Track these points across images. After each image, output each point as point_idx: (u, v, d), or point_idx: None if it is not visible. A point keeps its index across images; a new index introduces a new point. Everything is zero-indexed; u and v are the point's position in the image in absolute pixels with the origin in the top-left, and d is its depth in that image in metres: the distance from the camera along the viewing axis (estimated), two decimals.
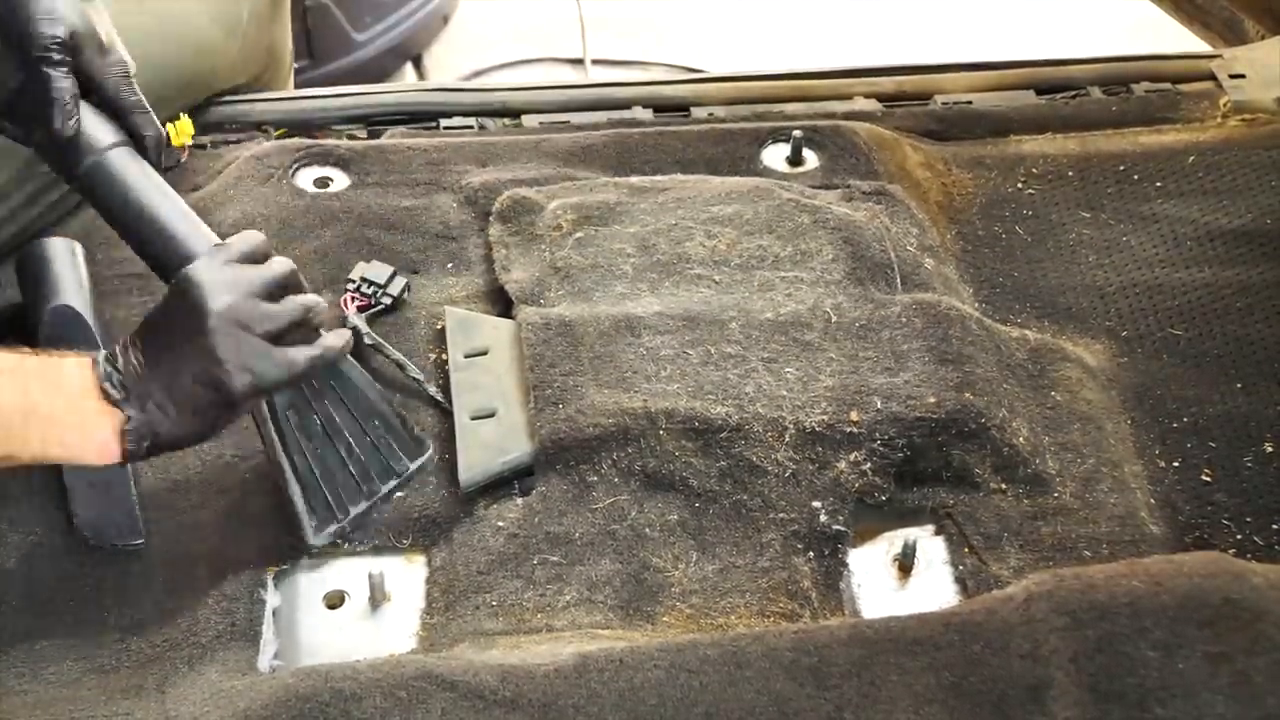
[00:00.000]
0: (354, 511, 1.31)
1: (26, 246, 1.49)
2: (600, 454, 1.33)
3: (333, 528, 1.30)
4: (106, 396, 1.15)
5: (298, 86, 2.04)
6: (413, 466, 1.34)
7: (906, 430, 1.35)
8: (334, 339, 1.24)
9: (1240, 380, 1.51)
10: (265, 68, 1.86)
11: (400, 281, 1.51)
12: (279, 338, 1.19)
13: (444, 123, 1.81)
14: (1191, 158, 1.75)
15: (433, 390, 1.42)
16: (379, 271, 1.51)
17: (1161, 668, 1.07)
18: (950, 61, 1.94)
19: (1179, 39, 2.28)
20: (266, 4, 1.82)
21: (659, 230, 1.54)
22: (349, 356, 1.28)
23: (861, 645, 1.11)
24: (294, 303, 1.21)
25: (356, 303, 1.49)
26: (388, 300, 1.50)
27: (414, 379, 1.42)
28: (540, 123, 1.82)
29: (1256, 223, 1.67)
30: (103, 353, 1.17)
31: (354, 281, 1.51)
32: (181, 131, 1.64)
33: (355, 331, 1.43)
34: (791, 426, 1.34)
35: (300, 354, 1.20)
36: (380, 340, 1.44)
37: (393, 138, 1.77)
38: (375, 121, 1.81)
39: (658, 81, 1.99)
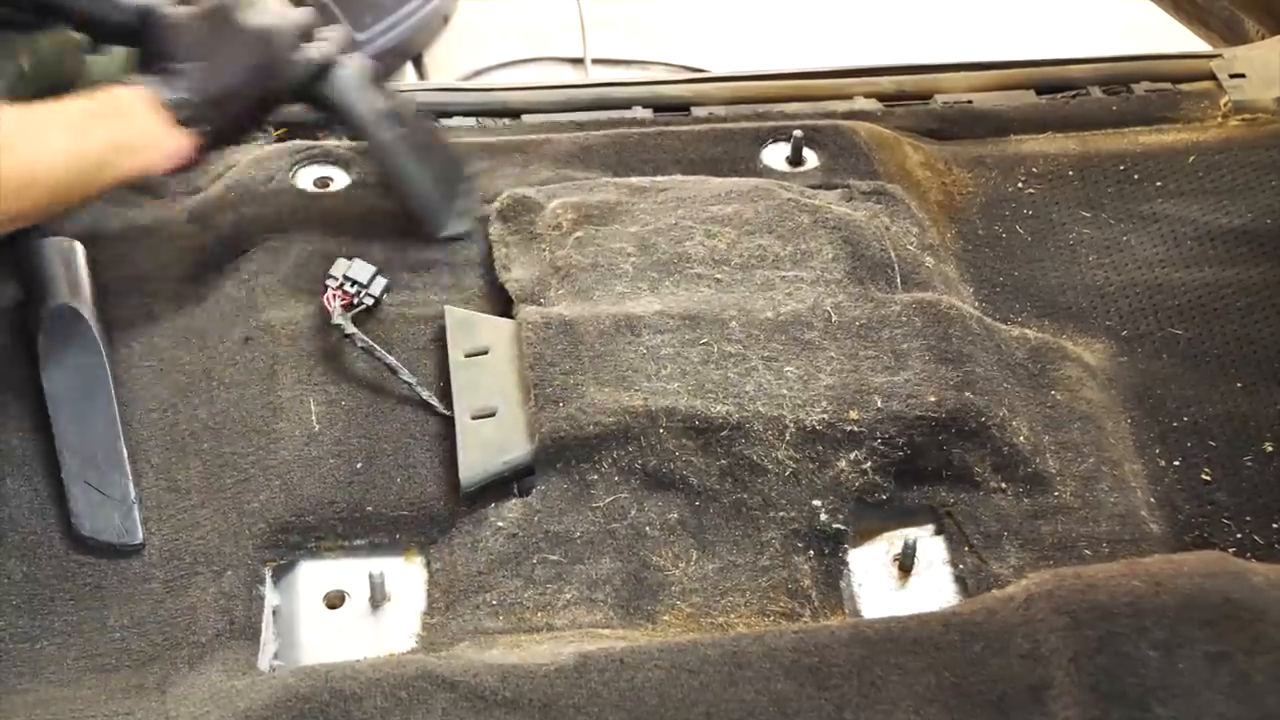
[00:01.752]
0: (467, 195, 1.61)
1: (27, 246, 1.49)
2: (600, 453, 1.33)
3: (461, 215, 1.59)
4: (176, 121, 1.37)
5: None
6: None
7: (907, 429, 1.35)
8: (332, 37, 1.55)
9: (1240, 380, 1.51)
10: None
11: (381, 282, 1.50)
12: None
13: (444, 122, 1.81)
14: (1192, 157, 1.75)
15: (425, 394, 1.41)
16: (361, 270, 1.49)
17: (1162, 667, 1.07)
18: (950, 61, 1.94)
19: (1179, 39, 2.28)
20: None
21: (659, 229, 1.54)
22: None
23: (862, 645, 1.11)
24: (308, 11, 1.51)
25: (340, 300, 1.47)
26: (369, 300, 1.49)
27: (406, 383, 1.42)
28: (540, 122, 1.82)
29: (1257, 222, 1.67)
30: (152, 81, 1.38)
31: (335, 279, 1.48)
32: None
33: (344, 333, 1.43)
34: (792, 425, 1.34)
35: (318, 49, 1.51)
36: (371, 343, 1.43)
37: None
38: None
39: (658, 81, 2.00)
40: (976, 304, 1.57)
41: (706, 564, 1.29)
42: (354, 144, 1.73)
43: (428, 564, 1.32)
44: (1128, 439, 1.44)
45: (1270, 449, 1.44)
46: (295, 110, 1.81)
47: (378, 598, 1.29)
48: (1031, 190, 1.72)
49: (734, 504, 1.32)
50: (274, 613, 1.29)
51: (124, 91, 1.36)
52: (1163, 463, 1.43)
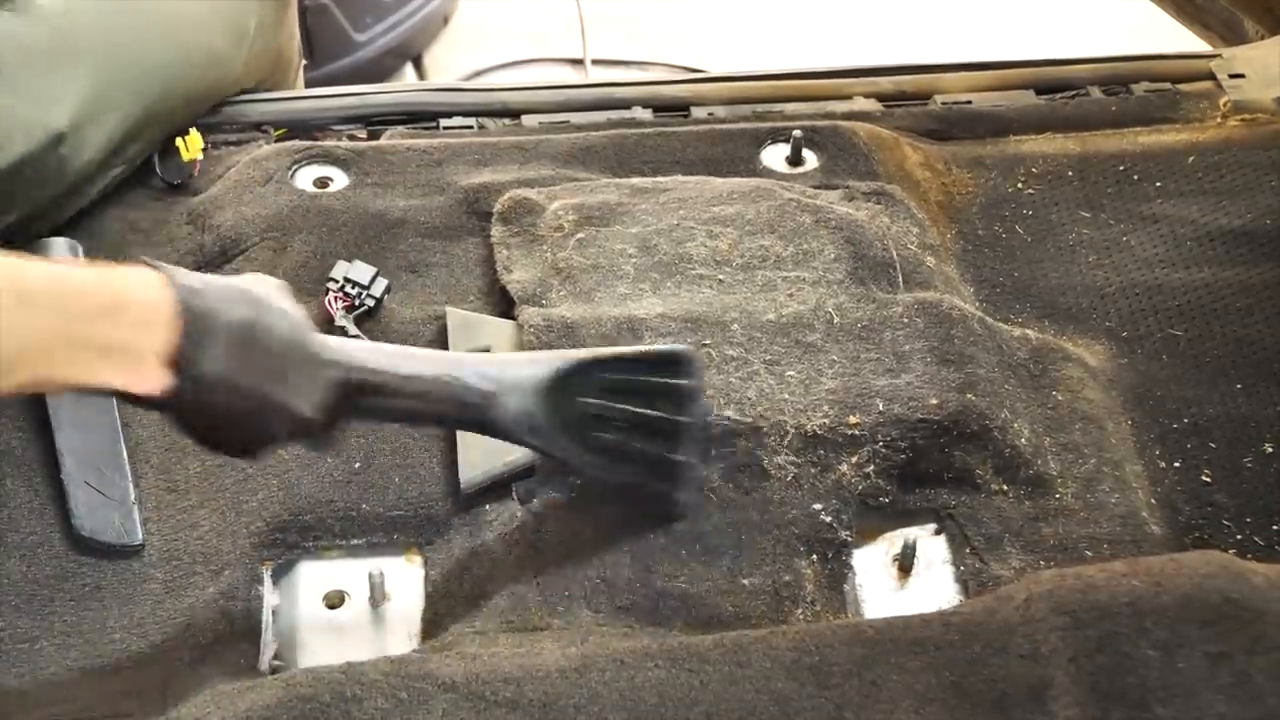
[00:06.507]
0: (694, 458, 1.28)
1: (26, 247, 1.49)
2: None
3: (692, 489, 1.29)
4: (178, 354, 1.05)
5: None
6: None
7: (908, 432, 1.35)
8: None
9: (1240, 380, 1.51)
10: (272, 71, 1.86)
11: (382, 283, 1.49)
12: None
13: (444, 123, 1.81)
14: (1191, 158, 1.75)
15: None
16: (362, 272, 1.49)
17: (1162, 667, 1.07)
18: (950, 61, 1.94)
19: (1179, 39, 2.28)
20: (273, 11, 1.82)
21: (660, 230, 1.54)
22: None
23: (862, 645, 1.11)
24: None
25: (342, 303, 1.47)
26: (371, 302, 1.48)
27: None
28: (540, 123, 1.82)
29: (1256, 223, 1.67)
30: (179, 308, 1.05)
31: (336, 281, 1.48)
32: (192, 147, 1.65)
33: (348, 335, 1.43)
34: (793, 430, 1.34)
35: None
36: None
37: (392, 138, 1.77)
38: (375, 121, 1.81)
39: (658, 81, 1.99)
40: (977, 304, 1.57)
41: (707, 567, 1.29)
42: (353, 144, 1.74)
43: (427, 564, 1.32)
44: (1128, 440, 1.44)
45: (1270, 450, 1.44)
46: (293, 110, 1.82)
47: (378, 598, 1.29)
48: (1031, 190, 1.72)
49: (735, 507, 1.32)
50: (274, 613, 1.29)
51: (150, 281, 1.05)
52: (1163, 464, 1.43)
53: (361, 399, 1.17)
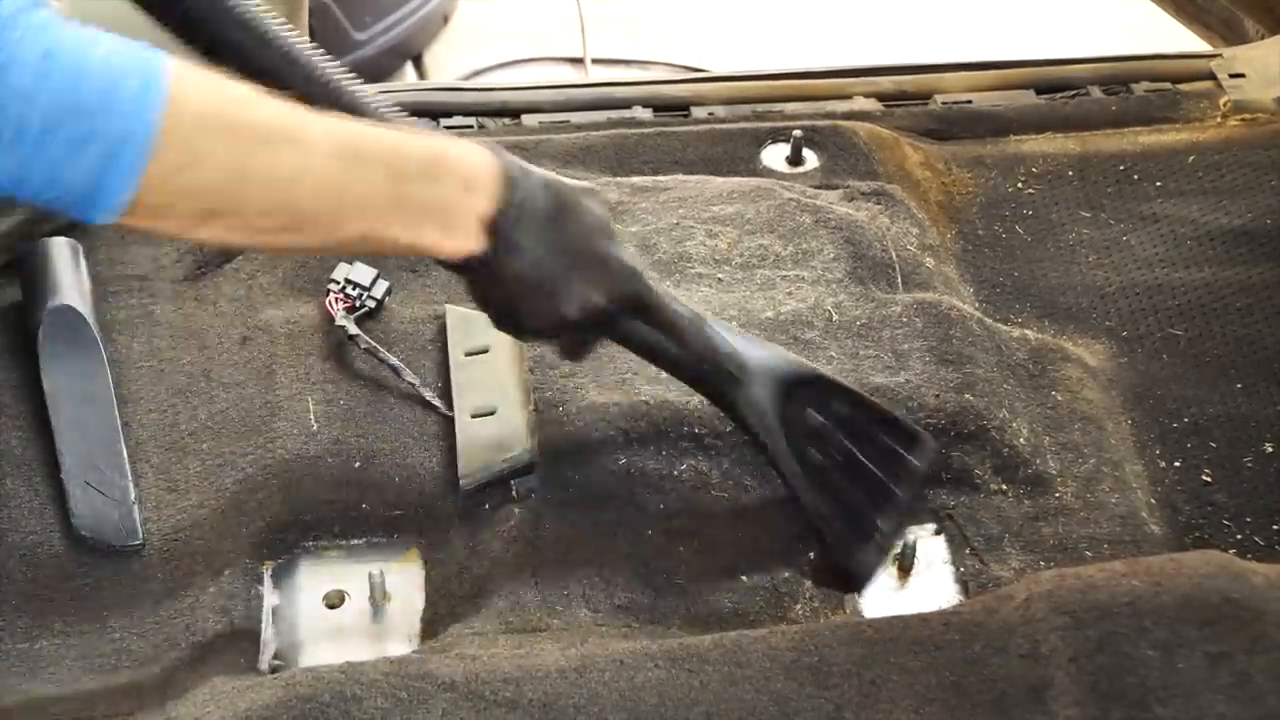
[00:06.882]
0: (887, 529, 1.28)
1: (26, 246, 1.49)
2: (600, 454, 1.33)
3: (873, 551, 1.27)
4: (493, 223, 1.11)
5: None
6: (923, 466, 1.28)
7: None
8: None
9: (1240, 380, 1.51)
10: None
11: (383, 284, 1.49)
12: None
13: (444, 122, 1.81)
14: (1191, 157, 1.75)
15: (429, 395, 1.41)
16: (363, 273, 1.49)
17: (1162, 667, 1.07)
18: (950, 61, 1.94)
19: (1179, 39, 2.28)
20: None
21: (660, 229, 1.54)
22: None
23: (862, 645, 1.11)
24: None
25: (343, 304, 1.47)
26: (372, 303, 1.48)
27: (409, 383, 1.42)
28: (540, 122, 1.82)
29: (1256, 222, 1.67)
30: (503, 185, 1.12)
31: (337, 282, 1.48)
32: None
33: (349, 335, 1.43)
34: None
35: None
36: (374, 344, 1.43)
37: None
38: None
39: (658, 81, 2.00)
40: (977, 304, 1.57)
41: (707, 565, 1.29)
42: None
43: (427, 564, 1.32)
44: (1128, 440, 1.44)
45: (1270, 449, 1.44)
46: None
47: (378, 598, 1.29)
48: (1031, 190, 1.72)
49: (735, 505, 1.32)
50: (274, 613, 1.29)
51: (474, 148, 1.12)
52: (1163, 464, 1.43)
53: (633, 315, 1.21)
